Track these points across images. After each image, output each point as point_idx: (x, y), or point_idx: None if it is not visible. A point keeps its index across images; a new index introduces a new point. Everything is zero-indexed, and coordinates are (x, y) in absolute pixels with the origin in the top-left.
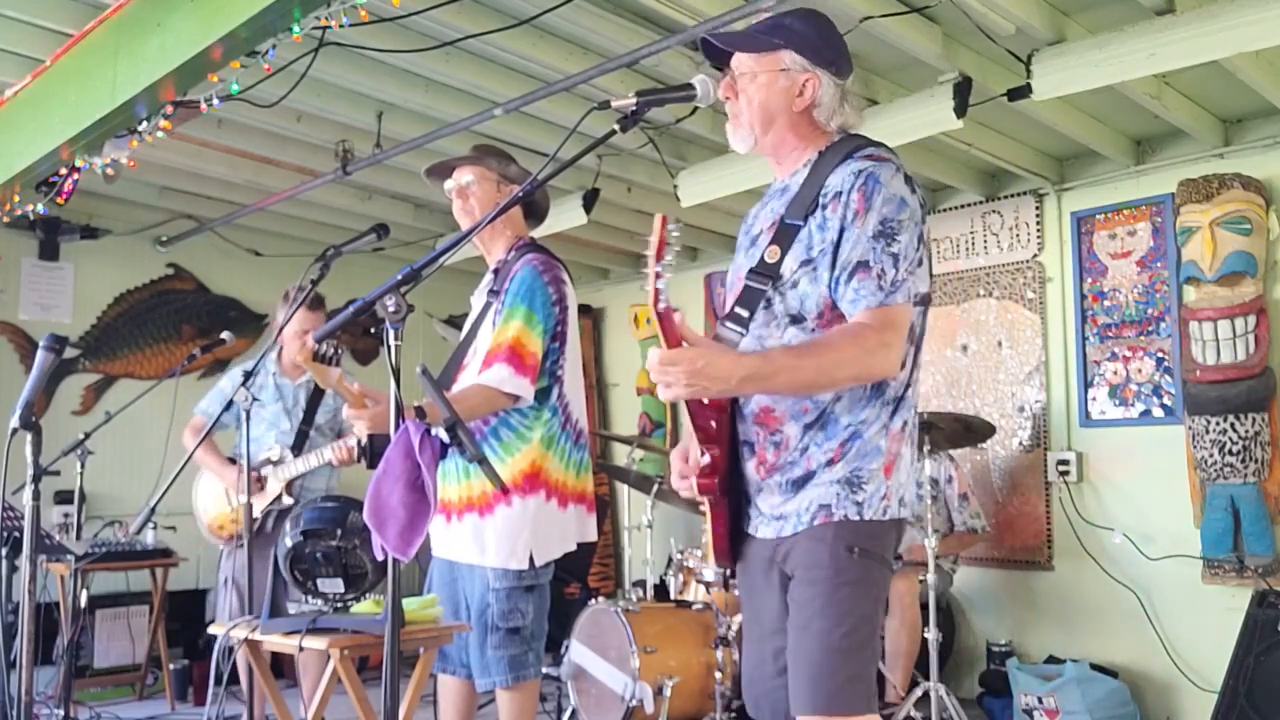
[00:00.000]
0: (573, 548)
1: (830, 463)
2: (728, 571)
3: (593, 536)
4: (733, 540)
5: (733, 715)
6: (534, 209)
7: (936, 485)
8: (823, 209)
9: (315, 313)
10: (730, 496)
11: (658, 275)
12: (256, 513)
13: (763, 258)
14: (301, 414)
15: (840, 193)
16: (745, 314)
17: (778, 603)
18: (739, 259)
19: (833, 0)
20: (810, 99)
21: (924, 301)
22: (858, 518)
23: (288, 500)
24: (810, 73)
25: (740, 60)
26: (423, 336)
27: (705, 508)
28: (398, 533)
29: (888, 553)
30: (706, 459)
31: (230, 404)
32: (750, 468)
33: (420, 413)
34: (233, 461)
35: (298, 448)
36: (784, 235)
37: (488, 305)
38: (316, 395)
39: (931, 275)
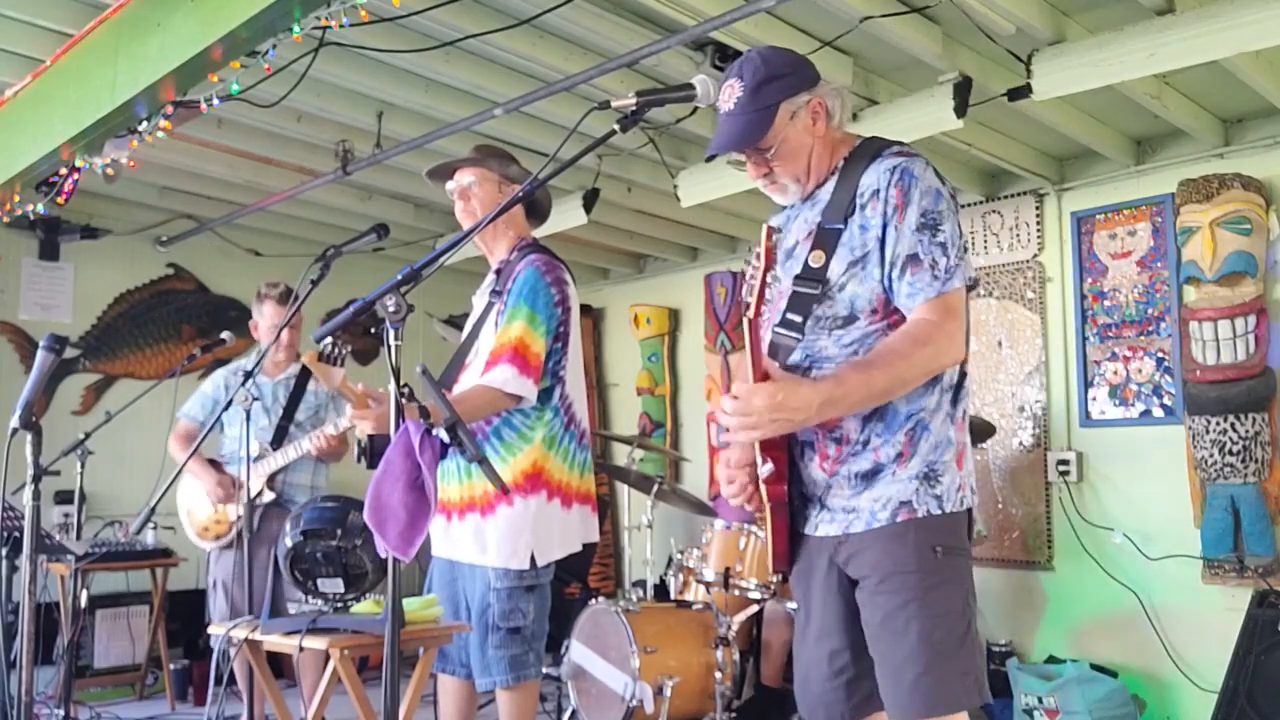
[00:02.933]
0: (577, 548)
1: (900, 456)
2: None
3: (595, 537)
4: (791, 544)
5: (733, 715)
6: (536, 209)
7: None
8: (861, 209)
9: (284, 306)
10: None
11: (765, 285)
12: (239, 511)
13: (807, 262)
14: (281, 410)
15: (878, 190)
16: (798, 319)
17: (837, 605)
18: (775, 271)
19: (833, 0)
20: (824, 119)
21: (971, 286)
22: (939, 511)
23: (269, 496)
24: (810, 97)
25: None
26: (423, 336)
27: (766, 515)
28: (398, 533)
29: (966, 543)
30: (769, 467)
31: (229, 405)
32: (813, 468)
33: (424, 413)
34: (213, 463)
35: (277, 444)
36: (825, 239)
37: (490, 305)
38: (297, 392)
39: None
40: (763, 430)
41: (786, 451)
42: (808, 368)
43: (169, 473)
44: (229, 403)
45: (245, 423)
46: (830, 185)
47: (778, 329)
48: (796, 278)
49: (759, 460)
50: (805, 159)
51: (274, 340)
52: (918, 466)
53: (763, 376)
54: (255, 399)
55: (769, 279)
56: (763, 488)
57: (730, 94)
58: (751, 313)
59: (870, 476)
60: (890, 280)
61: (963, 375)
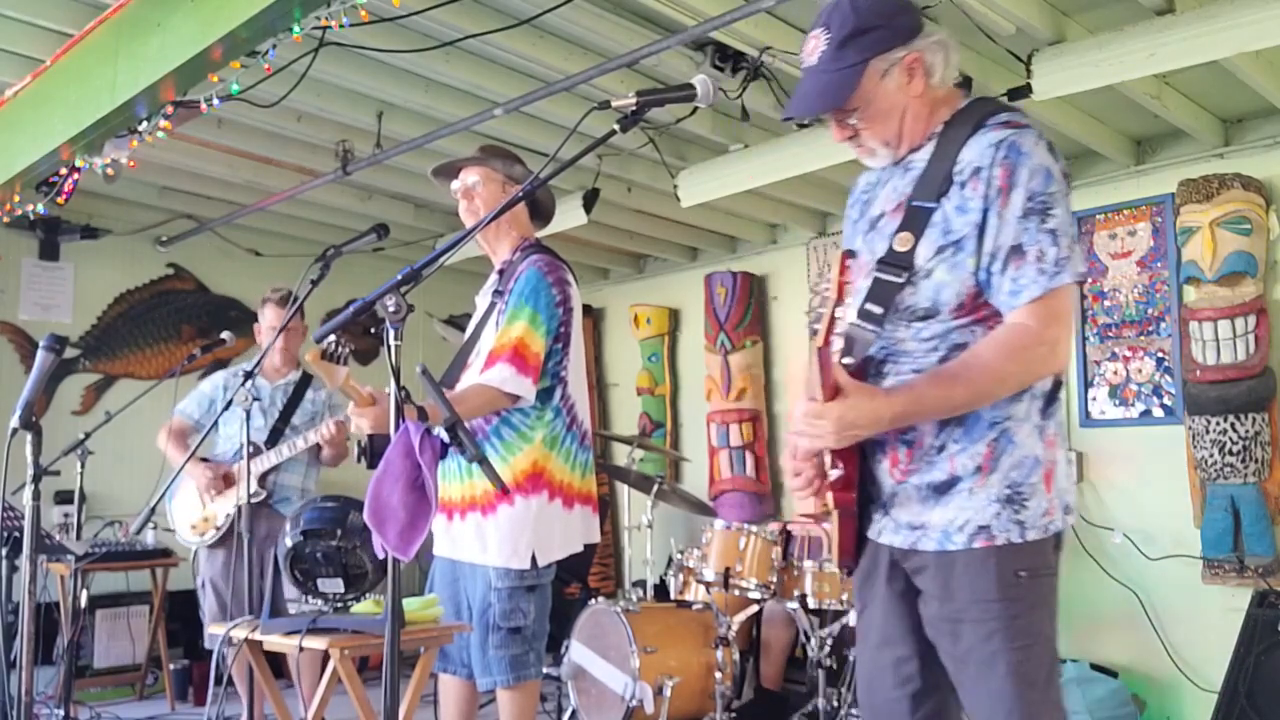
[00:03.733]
0: (579, 549)
1: (979, 470)
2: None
3: (596, 537)
4: (858, 543)
5: (732, 715)
6: (539, 209)
7: None
8: (960, 187)
9: (285, 309)
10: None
11: (834, 319)
12: (230, 508)
13: (892, 246)
14: (278, 413)
15: (980, 168)
16: (879, 311)
17: (901, 612)
18: (855, 241)
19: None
20: (923, 77)
21: (1081, 283)
22: (1021, 540)
23: (260, 494)
24: (906, 53)
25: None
26: (423, 336)
27: (833, 518)
28: (398, 533)
29: (1053, 562)
30: (839, 471)
31: (230, 404)
32: (883, 471)
33: (423, 413)
34: (204, 461)
35: (271, 445)
36: (914, 219)
37: (492, 305)
38: (295, 397)
39: None
40: (826, 443)
41: (858, 455)
42: (883, 360)
43: (168, 473)
44: (229, 403)
45: (245, 422)
46: (927, 152)
47: (855, 321)
48: (880, 262)
49: (828, 463)
50: (897, 121)
51: (273, 341)
52: (998, 486)
53: (833, 391)
54: (255, 399)
55: (838, 313)
56: (830, 494)
57: (814, 46)
58: (820, 341)
59: (944, 489)
60: (989, 274)
61: (1057, 384)
